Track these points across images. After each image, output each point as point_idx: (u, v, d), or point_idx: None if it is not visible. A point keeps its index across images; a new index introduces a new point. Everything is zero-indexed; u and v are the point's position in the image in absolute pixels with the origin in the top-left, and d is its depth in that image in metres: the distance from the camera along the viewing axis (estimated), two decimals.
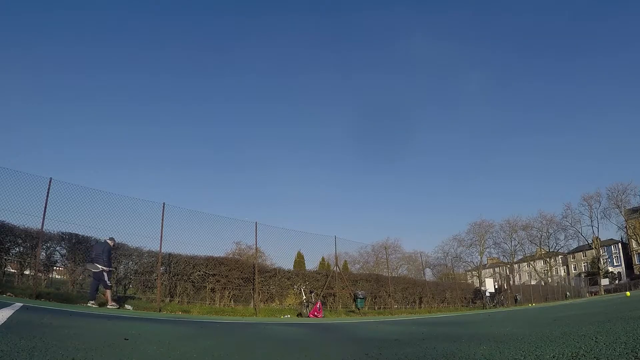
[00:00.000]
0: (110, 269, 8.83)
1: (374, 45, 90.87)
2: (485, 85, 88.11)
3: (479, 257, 53.26)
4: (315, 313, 12.20)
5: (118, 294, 9.92)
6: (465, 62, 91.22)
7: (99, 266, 8.49)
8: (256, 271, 12.61)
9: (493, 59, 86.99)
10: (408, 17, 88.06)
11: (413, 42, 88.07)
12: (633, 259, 59.62)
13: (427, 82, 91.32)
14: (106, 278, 8.51)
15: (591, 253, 59.00)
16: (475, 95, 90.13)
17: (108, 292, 8.51)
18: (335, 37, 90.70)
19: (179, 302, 11.00)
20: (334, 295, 15.40)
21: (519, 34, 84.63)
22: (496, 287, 25.84)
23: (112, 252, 9.20)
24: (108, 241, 9.06)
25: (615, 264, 61.86)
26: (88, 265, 8.74)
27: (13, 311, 4.14)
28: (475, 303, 24.55)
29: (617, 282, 55.30)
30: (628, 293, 24.19)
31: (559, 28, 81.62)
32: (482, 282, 30.92)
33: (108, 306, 8.20)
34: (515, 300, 26.82)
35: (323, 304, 13.26)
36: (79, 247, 9.99)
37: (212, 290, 11.94)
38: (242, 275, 12.73)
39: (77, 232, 9.97)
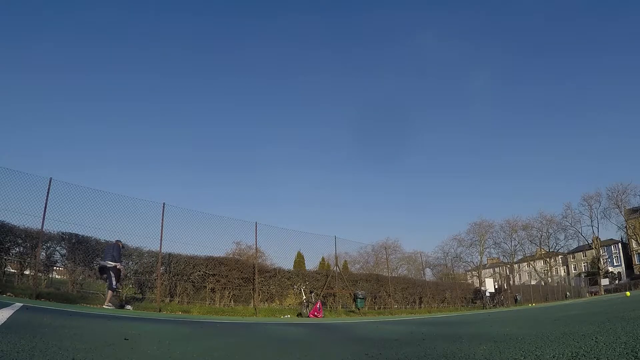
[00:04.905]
0: (121, 264, 9.03)
1: (376, 45, 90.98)
2: (487, 85, 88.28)
3: (479, 257, 53.27)
4: (315, 313, 12.20)
5: (121, 300, 9.85)
6: (467, 62, 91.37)
7: (111, 263, 8.72)
8: (256, 271, 12.61)
9: (494, 59, 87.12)
10: (410, 18, 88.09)
11: (415, 41, 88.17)
12: (633, 259, 59.60)
13: (428, 82, 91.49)
14: (113, 280, 8.59)
15: (591, 253, 58.96)
16: (476, 95, 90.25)
17: (110, 293, 8.54)
18: (339, 37, 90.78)
19: (179, 302, 11.00)
20: (334, 295, 15.40)
21: (520, 34, 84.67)
22: (496, 287, 25.84)
23: (121, 251, 9.45)
24: (117, 242, 9.37)
25: (615, 264, 61.84)
26: (104, 263, 8.80)
27: (13, 311, 4.14)
28: (475, 303, 24.54)
29: (617, 282, 55.27)
30: (628, 293, 24.17)
31: (558, 29, 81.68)
32: (482, 282, 30.90)
33: (104, 306, 8.19)
34: (515, 300, 26.81)
35: (323, 304, 13.25)
36: (79, 247, 9.97)
37: (212, 290, 11.94)
38: (242, 275, 12.73)
39: (77, 232, 9.97)
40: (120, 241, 9.54)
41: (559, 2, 78.17)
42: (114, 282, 8.59)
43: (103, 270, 8.75)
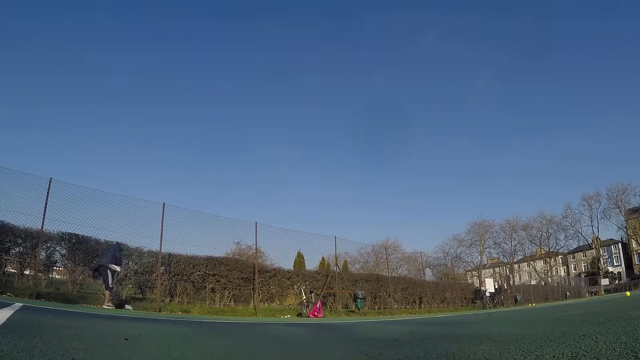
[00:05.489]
0: (119, 267, 9.04)
1: (376, 45, 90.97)
2: (487, 85, 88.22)
3: (479, 257, 53.31)
4: (315, 313, 12.20)
5: (119, 298, 9.90)
6: (467, 63, 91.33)
7: (114, 266, 8.77)
8: (256, 271, 12.61)
9: (495, 59, 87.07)
10: (411, 18, 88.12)
11: (415, 42, 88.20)
12: (633, 259, 59.59)
13: (428, 82, 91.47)
14: (109, 280, 8.57)
15: (591, 253, 58.97)
16: (476, 96, 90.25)
17: (107, 293, 8.54)
18: (339, 37, 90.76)
19: (179, 302, 11.01)
20: (334, 295, 15.40)
21: (521, 34, 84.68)
22: (496, 287, 25.83)
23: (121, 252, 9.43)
24: (116, 243, 9.36)
25: (615, 264, 61.83)
26: (108, 265, 8.80)
27: (13, 311, 4.14)
28: (475, 303, 24.54)
29: (617, 282, 55.25)
30: (628, 293, 24.18)
31: (558, 30, 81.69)
32: (482, 282, 30.92)
33: (104, 306, 8.20)
34: (515, 300, 26.81)
35: (323, 304, 13.26)
36: (79, 247, 9.98)
37: (212, 290, 11.94)
38: (242, 275, 12.73)
39: (77, 232, 9.97)
40: (120, 243, 9.55)
41: (559, 3, 78.23)
42: (110, 282, 8.59)
43: (98, 270, 8.70)
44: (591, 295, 42.09)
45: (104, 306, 8.16)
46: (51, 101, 73.52)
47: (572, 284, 47.68)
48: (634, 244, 57.91)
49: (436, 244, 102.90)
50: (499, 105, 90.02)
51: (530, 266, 59.08)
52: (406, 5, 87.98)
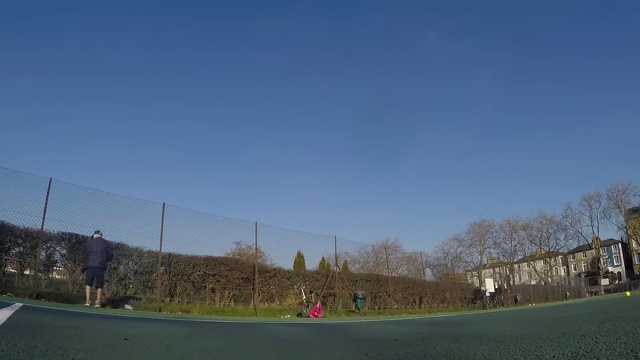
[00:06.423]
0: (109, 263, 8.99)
1: (376, 45, 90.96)
2: (489, 86, 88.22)
3: (479, 257, 53.32)
4: (315, 313, 12.20)
5: (118, 295, 9.92)
6: (469, 63, 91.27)
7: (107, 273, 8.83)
8: (256, 271, 12.61)
9: (494, 60, 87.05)
10: (410, 19, 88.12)
11: (415, 42, 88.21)
12: (633, 259, 59.57)
13: (429, 82, 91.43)
14: (104, 278, 8.54)
15: (591, 253, 58.98)
16: (476, 96, 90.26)
17: (99, 291, 8.41)
18: (339, 37, 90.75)
19: (179, 302, 11.00)
20: (334, 295, 15.40)
21: (520, 35, 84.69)
22: (496, 287, 25.83)
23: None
24: (102, 237, 8.81)
25: (615, 264, 61.82)
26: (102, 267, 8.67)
27: (13, 311, 4.14)
28: (475, 303, 24.54)
29: (617, 282, 55.26)
30: (628, 293, 24.18)
31: (559, 30, 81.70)
32: (482, 282, 30.93)
33: (95, 304, 7.95)
34: (515, 300, 26.81)
35: (323, 304, 13.26)
36: (79, 247, 9.97)
37: (212, 290, 11.94)
38: (242, 275, 12.73)
39: (77, 232, 9.97)
40: (99, 232, 8.85)
41: (560, 3, 78.23)
42: (104, 279, 8.57)
43: (92, 271, 8.43)
44: (591, 295, 42.10)
45: (95, 304, 7.91)
46: (52, 101, 73.55)
47: (572, 284, 47.71)
48: (634, 244, 57.90)
49: (436, 244, 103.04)
50: (499, 105, 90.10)
51: (530, 266, 59.06)
52: (407, 5, 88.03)
